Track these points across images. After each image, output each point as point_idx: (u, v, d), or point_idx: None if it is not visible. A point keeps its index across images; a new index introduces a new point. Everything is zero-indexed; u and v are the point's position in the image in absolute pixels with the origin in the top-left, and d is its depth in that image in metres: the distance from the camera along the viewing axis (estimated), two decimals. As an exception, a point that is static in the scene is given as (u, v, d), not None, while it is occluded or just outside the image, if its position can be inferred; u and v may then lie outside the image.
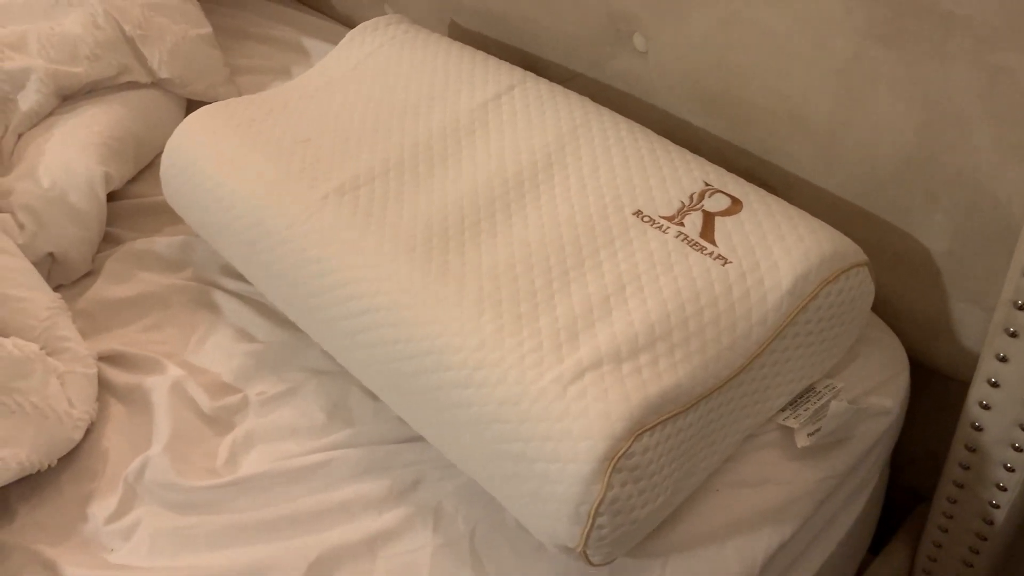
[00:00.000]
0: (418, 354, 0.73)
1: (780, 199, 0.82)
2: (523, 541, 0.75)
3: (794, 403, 0.79)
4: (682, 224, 0.78)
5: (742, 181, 0.84)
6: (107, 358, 0.96)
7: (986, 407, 0.83)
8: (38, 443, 0.85)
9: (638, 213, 0.80)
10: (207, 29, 1.27)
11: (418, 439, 0.83)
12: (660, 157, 0.85)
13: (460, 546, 0.75)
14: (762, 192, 0.82)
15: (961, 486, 0.92)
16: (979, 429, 0.85)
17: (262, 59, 1.35)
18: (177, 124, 1.23)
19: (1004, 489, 0.88)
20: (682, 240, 0.77)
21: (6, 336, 0.88)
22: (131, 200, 1.15)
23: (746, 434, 0.77)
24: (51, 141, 1.08)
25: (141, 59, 1.18)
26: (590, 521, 0.64)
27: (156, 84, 1.21)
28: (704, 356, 0.70)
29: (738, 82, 0.88)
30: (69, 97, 1.16)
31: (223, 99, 1.27)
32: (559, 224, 0.80)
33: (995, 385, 0.81)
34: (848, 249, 0.77)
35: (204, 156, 0.96)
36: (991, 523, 0.92)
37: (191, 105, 1.27)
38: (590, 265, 0.75)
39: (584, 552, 0.66)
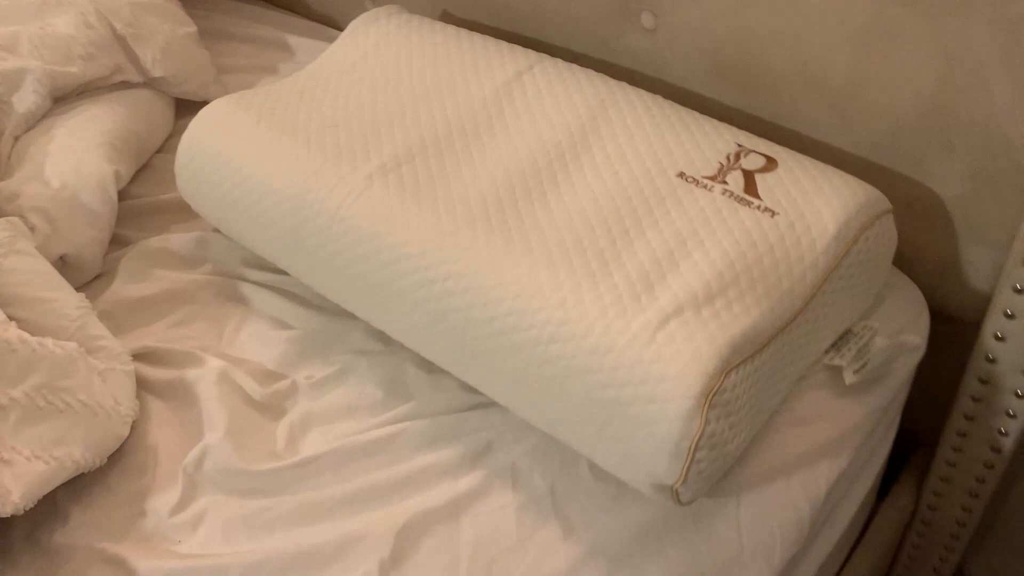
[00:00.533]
0: (497, 316, 0.75)
1: (807, 156, 0.87)
2: (600, 492, 0.78)
3: (837, 345, 0.84)
4: (725, 182, 0.83)
5: (769, 142, 0.89)
6: (139, 356, 0.94)
7: (1001, 338, 0.90)
8: (90, 441, 0.83)
9: (681, 175, 0.84)
10: (193, 28, 1.26)
11: (482, 406, 0.85)
12: (690, 124, 0.90)
13: (543, 502, 0.78)
14: (790, 151, 0.87)
15: (972, 418, 0.99)
16: (992, 361, 0.92)
17: (246, 58, 1.34)
18: (168, 124, 1.23)
19: (1014, 416, 0.95)
20: (729, 197, 0.81)
21: (41, 338, 0.86)
22: (131, 201, 1.13)
23: (800, 375, 0.82)
24: (54, 142, 1.06)
25: (133, 58, 1.17)
26: (690, 456, 0.67)
27: (147, 84, 1.20)
28: (770, 299, 0.74)
29: (755, 50, 0.93)
30: (61, 99, 1.13)
31: (213, 98, 1.25)
32: (608, 189, 0.83)
33: (1011, 317, 0.88)
34: (878, 197, 0.83)
35: (230, 147, 0.96)
36: (999, 451, 1.00)
37: (179, 104, 1.26)
38: (647, 224, 0.79)
39: (677, 490, 0.70)
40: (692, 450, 0.67)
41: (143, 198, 1.13)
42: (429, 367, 0.89)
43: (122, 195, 1.12)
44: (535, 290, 0.74)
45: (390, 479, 0.80)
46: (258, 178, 0.92)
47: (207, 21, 1.40)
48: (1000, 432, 0.98)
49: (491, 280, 0.76)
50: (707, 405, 0.67)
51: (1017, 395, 0.93)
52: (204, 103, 1.25)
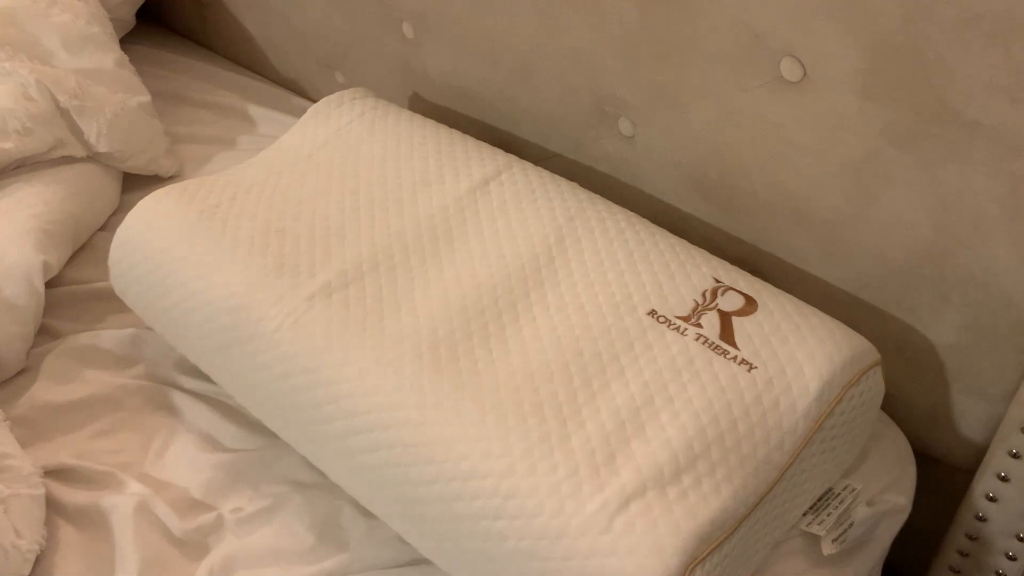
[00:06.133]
0: (439, 479, 0.67)
1: (790, 296, 0.80)
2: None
3: (815, 507, 0.77)
4: (699, 325, 0.76)
5: (749, 276, 0.82)
6: (54, 473, 0.86)
7: (993, 499, 0.83)
8: (-17, 584, 0.75)
9: (652, 313, 0.77)
10: (146, 97, 1.18)
11: (420, 562, 0.77)
12: (664, 251, 0.83)
13: None
14: (772, 288, 0.80)
15: (958, 571, 0.92)
16: (983, 520, 0.85)
17: (204, 127, 1.26)
18: (113, 200, 1.15)
19: (1003, 576, 0.88)
20: (703, 343, 0.74)
21: (-61, 457, 0.78)
22: (66, 287, 1.04)
23: (775, 543, 0.74)
24: (-21, 227, 0.98)
25: (77, 132, 1.09)
26: (646, 665, 0.59)
27: (92, 158, 1.12)
28: (744, 472, 0.67)
29: (737, 173, 0.86)
30: (-6, 174, 1.05)
31: (164, 172, 1.19)
32: (573, 327, 0.76)
33: (1005, 479, 0.81)
34: (865, 349, 0.76)
35: (165, 249, 0.88)
36: (986, 608, 0.93)
37: (127, 179, 1.18)
38: (612, 373, 0.72)
39: None
40: (648, 659, 0.59)
41: (79, 284, 1.05)
42: (367, 510, 0.81)
43: (56, 280, 1.04)
44: (484, 452, 0.66)
45: (314, 646, 0.72)
46: (193, 287, 0.84)
47: (164, 82, 1.33)
48: (988, 591, 0.91)
49: (436, 436, 0.68)
50: (667, 609, 0.59)
51: (1008, 557, 0.86)
52: (154, 177, 1.19)
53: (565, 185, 0.91)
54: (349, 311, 0.78)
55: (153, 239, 0.90)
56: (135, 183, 1.18)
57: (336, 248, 0.84)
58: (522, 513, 0.63)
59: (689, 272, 0.81)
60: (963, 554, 0.90)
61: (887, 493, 0.81)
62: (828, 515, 0.76)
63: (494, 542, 0.64)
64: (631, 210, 0.90)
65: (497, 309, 0.78)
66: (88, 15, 1.17)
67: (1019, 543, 0.84)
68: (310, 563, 0.78)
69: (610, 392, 0.70)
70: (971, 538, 0.88)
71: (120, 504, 0.82)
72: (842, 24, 0.70)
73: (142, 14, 1.43)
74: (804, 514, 0.76)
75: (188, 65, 1.39)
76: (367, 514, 0.80)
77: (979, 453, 0.87)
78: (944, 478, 0.92)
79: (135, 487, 0.84)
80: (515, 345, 0.75)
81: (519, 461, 0.65)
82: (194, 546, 0.81)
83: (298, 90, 1.37)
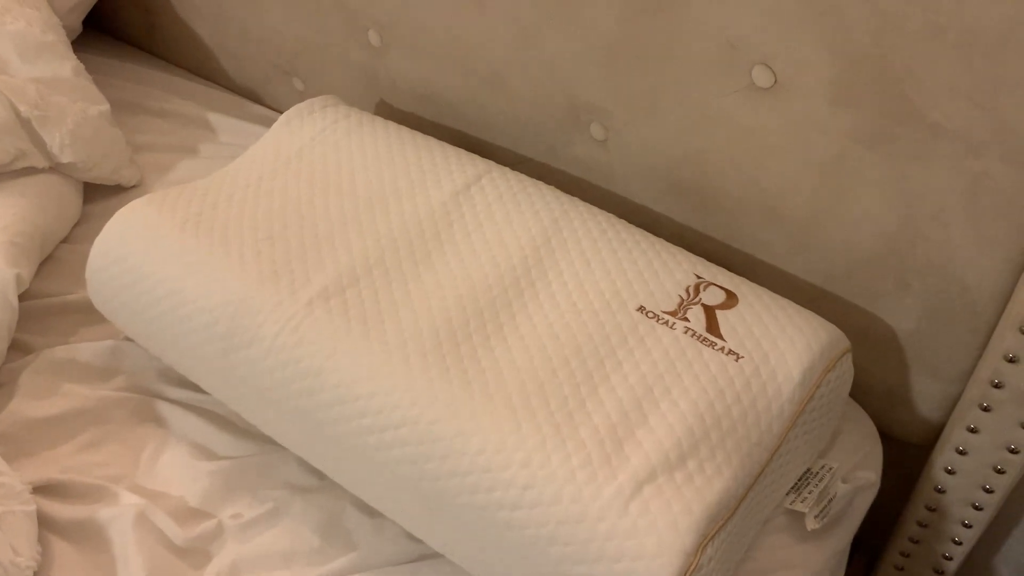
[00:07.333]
0: (455, 473, 0.69)
1: (766, 289, 0.85)
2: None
3: (797, 486, 0.82)
4: (687, 319, 0.80)
5: (727, 272, 0.86)
6: (43, 489, 0.85)
7: (951, 472, 0.90)
8: (-16, 603, 0.74)
9: (641, 309, 0.81)
10: (106, 106, 1.16)
11: (431, 556, 0.79)
12: (646, 250, 0.87)
13: (500, 669, 0.72)
14: (749, 283, 0.85)
15: (917, 542, 0.99)
16: (941, 492, 0.92)
17: (162, 135, 1.25)
18: (76, 211, 1.13)
19: (959, 543, 0.95)
20: (691, 336, 0.78)
21: (-73, 477, 0.76)
22: (33, 301, 1.02)
23: (764, 521, 0.79)
24: (-55, 242, 0.95)
25: (39, 143, 1.07)
26: (666, 638, 0.63)
27: (54, 169, 1.10)
28: (740, 455, 0.71)
29: (710, 174, 0.91)
30: (-46, 187, 1.03)
31: (126, 182, 1.18)
32: (568, 324, 0.79)
33: (963, 453, 0.87)
34: (838, 336, 0.82)
35: (152, 258, 0.88)
36: (941, 573, 1.00)
37: (87, 189, 1.17)
38: (611, 367, 0.75)
39: (649, 668, 0.65)
40: (668, 633, 0.63)
41: (47, 298, 1.03)
42: (370, 509, 0.83)
43: (22, 294, 1.02)
44: (499, 445, 0.69)
45: (333, 643, 0.73)
46: (184, 295, 0.85)
47: (117, 91, 1.31)
48: (945, 557, 0.98)
49: (451, 430, 0.71)
50: (685, 585, 0.63)
51: (964, 524, 0.93)
52: (116, 187, 1.18)
53: (545, 188, 0.94)
54: (349, 314, 0.79)
55: (137, 248, 0.89)
56: (96, 194, 1.17)
57: (328, 254, 0.86)
58: (541, 501, 0.66)
59: (672, 269, 0.85)
60: (922, 525, 0.97)
61: (858, 470, 0.87)
62: (810, 493, 0.81)
63: (514, 531, 0.67)
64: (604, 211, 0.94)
65: (494, 309, 0.80)
66: (42, 23, 1.15)
67: (975, 511, 0.91)
68: (319, 564, 0.79)
69: (610, 385, 0.74)
70: (930, 509, 0.94)
71: (118, 516, 0.81)
72: (816, 35, 0.75)
73: (84, 22, 1.41)
74: (787, 493, 0.82)
75: (138, 73, 1.37)
76: (371, 513, 0.82)
77: (935, 431, 0.94)
78: (903, 457, 0.99)
79: (130, 498, 0.83)
80: (515, 343, 0.78)
81: (534, 452, 0.68)
82: (197, 554, 0.81)
83: (254, 97, 1.37)
